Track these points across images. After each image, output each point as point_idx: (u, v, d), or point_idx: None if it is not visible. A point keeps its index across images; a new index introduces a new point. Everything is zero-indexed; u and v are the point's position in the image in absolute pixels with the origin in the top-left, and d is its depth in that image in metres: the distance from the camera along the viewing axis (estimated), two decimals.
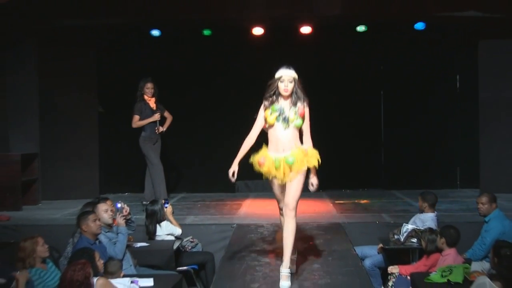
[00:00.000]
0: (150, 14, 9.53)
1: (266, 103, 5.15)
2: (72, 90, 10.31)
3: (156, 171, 9.06)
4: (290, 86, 5.06)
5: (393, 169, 11.12)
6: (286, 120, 5.07)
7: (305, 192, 5.18)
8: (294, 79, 5.09)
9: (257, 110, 5.27)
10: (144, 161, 9.22)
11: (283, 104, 5.11)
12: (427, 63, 10.96)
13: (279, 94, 5.11)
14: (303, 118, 5.11)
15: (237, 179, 5.14)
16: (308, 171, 5.11)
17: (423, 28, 10.26)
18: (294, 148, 5.07)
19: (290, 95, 5.11)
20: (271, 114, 5.08)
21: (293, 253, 5.24)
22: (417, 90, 10.98)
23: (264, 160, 5.04)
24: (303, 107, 5.12)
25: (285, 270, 4.99)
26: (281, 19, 9.73)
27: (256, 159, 5.10)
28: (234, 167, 5.14)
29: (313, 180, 5.12)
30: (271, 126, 5.12)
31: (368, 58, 11.03)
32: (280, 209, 5.32)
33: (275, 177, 5.07)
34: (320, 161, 5.07)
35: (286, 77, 5.06)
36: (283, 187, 5.13)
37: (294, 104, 5.10)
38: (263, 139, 5.28)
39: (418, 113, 10.93)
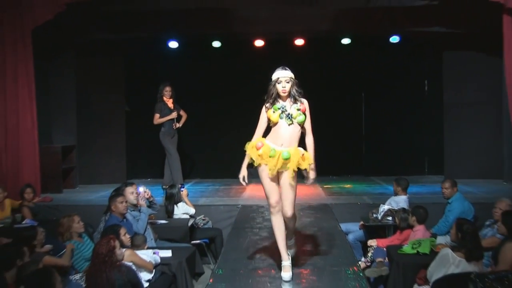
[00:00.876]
0: (169, 29, 9.50)
1: (267, 105, 4.51)
2: (104, 92, 10.33)
3: (173, 160, 9.05)
4: (288, 86, 4.45)
5: (372, 159, 11.09)
6: (289, 117, 4.44)
7: (299, 178, 4.65)
8: (290, 79, 4.48)
9: (258, 107, 4.68)
10: (163, 152, 9.20)
11: (284, 103, 4.50)
12: (400, 69, 10.92)
13: (278, 95, 4.50)
14: (305, 114, 4.50)
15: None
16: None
17: (397, 40, 10.25)
18: (293, 146, 4.43)
19: (288, 95, 4.50)
20: (274, 112, 4.45)
21: (290, 238, 4.80)
22: (392, 92, 10.93)
23: (262, 145, 4.41)
24: (304, 105, 4.51)
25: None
26: (279, 33, 9.69)
27: (253, 143, 4.48)
28: (244, 172, 4.58)
29: (311, 175, 4.50)
30: (275, 124, 4.47)
31: (351, 65, 10.92)
32: (271, 206, 4.46)
33: (266, 164, 4.38)
34: (311, 165, 4.48)
35: (283, 78, 4.45)
36: (275, 179, 4.43)
37: (294, 102, 4.50)
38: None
39: (393, 111, 10.87)
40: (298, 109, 4.46)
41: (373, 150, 11.14)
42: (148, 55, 10.71)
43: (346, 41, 10.43)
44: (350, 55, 10.75)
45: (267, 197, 4.47)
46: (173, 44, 10.34)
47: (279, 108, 4.46)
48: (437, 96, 10.56)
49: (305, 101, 4.52)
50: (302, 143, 4.55)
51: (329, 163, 10.58)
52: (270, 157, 4.36)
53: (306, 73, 9.90)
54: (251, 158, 4.46)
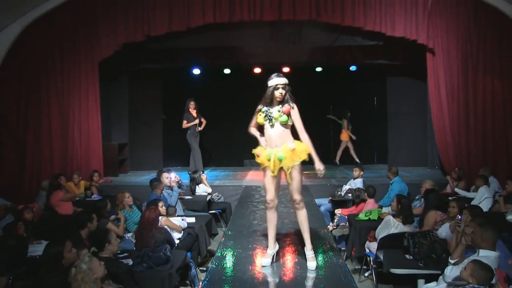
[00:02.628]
0: (193, 60, 9.48)
1: (259, 107, 3.72)
2: (147, 104, 10.30)
3: (196, 153, 8.99)
4: (284, 92, 3.64)
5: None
6: (270, 118, 3.62)
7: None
8: (286, 85, 3.67)
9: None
10: (189, 148, 9.11)
11: (269, 107, 3.68)
12: (357, 89, 10.86)
13: (274, 100, 3.65)
14: (288, 115, 3.63)
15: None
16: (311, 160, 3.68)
17: (355, 69, 10.21)
18: (284, 144, 3.63)
19: (283, 99, 3.67)
20: (260, 115, 3.68)
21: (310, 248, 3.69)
22: (352, 105, 10.83)
23: (260, 153, 3.67)
24: (288, 107, 3.65)
25: (310, 252, 3.65)
26: (271, 63, 9.50)
27: (255, 151, 3.75)
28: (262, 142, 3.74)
29: (319, 167, 3.66)
30: (262, 125, 3.70)
31: (323, 86, 10.89)
32: (267, 202, 3.71)
33: (268, 167, 3.63)
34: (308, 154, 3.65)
35: (280, 85, 3.63)
36: (274, 179, 3.65)
37: (281, 105, 3.67)
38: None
39: (352, 119, 10.69)
40: (279, 111, 3.62)
41: (338, 146, 10.90)
42: (179, 78, 10.63)
43: (319, 69, 10.39)
44: (321, 79, 10.72)
45: (265, 193, 3.72)
46: (196, 71, 10.27)
47: (264, 111, 3.66)
48: (383, 108, 10.54)
49: (295, 105, 3.69)
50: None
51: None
52: (268, 161, 3.61)
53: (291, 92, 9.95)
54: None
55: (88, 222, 4.56)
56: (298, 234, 4.44)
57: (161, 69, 9.99)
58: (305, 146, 3.62)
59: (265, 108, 3.66)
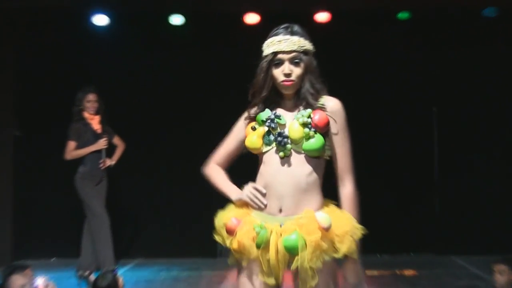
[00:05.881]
0: None
1: (251, 110, 3.74)
2: None
3: (99, 224, 8.79)
4: (297, 71, 3.52)
5: (451, 226, 10.69)
6: (282, 141, 3.57)
7: None
8: (301, 54, 3.55)
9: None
10: (81, 210, 8.88)
11: (282, 108, 3.70)
12: (502, 64, 10.62)
13: (275, 90, 3.65)
14: (325, 132, 3.56)
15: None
16: None
17: (492, 15, 10.18)
18: (307, 212, 3.54)
19: (297, 92, 3.62)
20: (254, 129, 3.69)
21: None
22: (487, 106, 10.62)
23: (237, 223, 3.60)
24: (324, 112, 3.56)
25: None
26: (285, 4, 9.72)
27: (222, 219, 3.72)
28: (248, 190, 3.66)
29: (350, 274, 3.64)
30: (258, 153, 3.68)
31: (412, 57, 10.77)
32: None
33: (251, 261, 3.64)
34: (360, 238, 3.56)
35: (285, 53, 3.52)
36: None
37: (304, 105, 3.61)
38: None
39: (490, 141, 10.58)
40: (305, 124, 3.56)
41: (453, 211, 10.72)
42: (58, 40, 10.50)
43: (403, 15, 10.34)
44: (408, 39, 10.63)
45: None
46: (101, 20, 10.22)
47: (264, 122, 3.65)
48: None
49: (332, 103, 3.63)
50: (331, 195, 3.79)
51: (376, 233, 10.10)
52: (258, 246, 3.53)
53: (332, 69, 9.62)
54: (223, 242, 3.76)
55: None
56: None
57: (14, 14, 10.17)
58: (350, 218, 3.60)
59: (265, 113, 3.69)
